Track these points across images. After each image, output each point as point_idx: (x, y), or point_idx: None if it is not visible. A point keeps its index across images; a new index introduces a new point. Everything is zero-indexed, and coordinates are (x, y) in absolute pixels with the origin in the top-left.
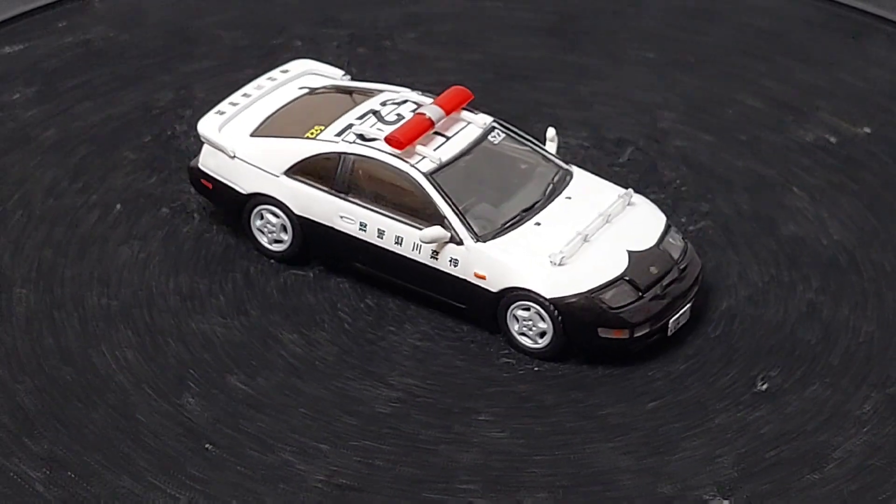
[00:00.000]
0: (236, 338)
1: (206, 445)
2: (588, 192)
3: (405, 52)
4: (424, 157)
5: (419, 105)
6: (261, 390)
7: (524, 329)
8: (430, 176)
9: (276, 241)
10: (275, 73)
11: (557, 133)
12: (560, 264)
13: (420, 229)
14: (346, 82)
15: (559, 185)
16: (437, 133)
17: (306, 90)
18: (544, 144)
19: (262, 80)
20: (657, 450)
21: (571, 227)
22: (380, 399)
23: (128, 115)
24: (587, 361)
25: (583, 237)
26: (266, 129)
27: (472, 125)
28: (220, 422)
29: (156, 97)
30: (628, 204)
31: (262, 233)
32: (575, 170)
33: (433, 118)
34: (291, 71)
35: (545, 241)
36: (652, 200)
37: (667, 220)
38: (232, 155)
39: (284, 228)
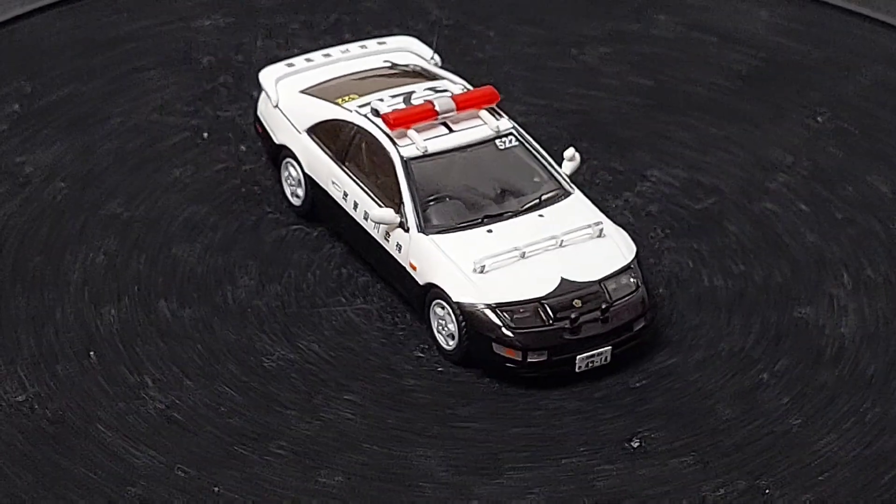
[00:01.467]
0: (199, 269)
1: (90, 353)
2: (566, 215)
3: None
4: (413, 143)
5: (444, 94)
6: (178, 320)
7: (440, 327)
8: (406, 161)
9: (294, 195)
10: (371, 42)
11: (581, 156)
12: (480, 272)
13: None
14: (428, 66)
15: (545, 202)
16: (444, 124)
17: (388, 64)
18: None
19: (352, 46)
20: (479, 471)
21: (516, 241)
22: (273, 356)
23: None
24: (493, 376)
25: (520, 253)
26: (316, 89)
27: (486, 126)
28: (120, 336)
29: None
30: (598, 235)
31: (287, 184)
32: (576, 193)
33: (438, 109)
34: (388, 44)
35: (481, 248)
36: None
37: (631, 262)
38: (275, 104)
39: (300, 183)
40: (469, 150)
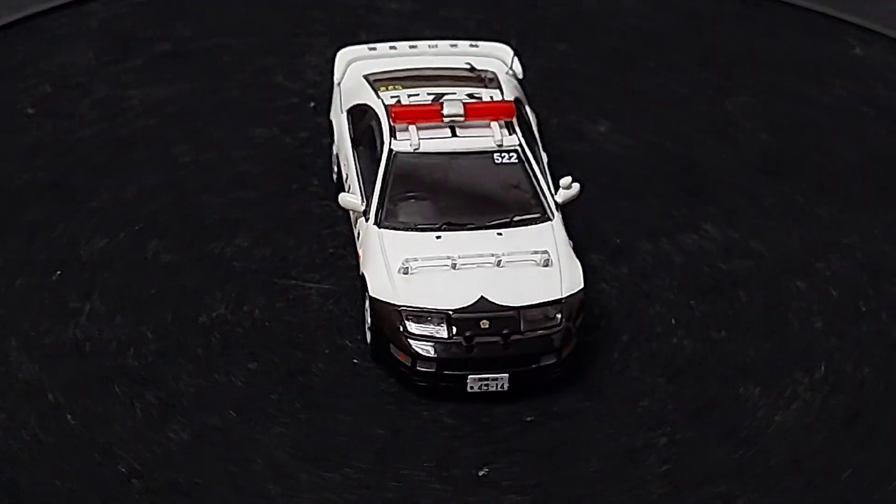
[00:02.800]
0: (212, 219)
1: (58, 272)
2: (526, 238)
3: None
4: (408, 140)
5: (474, 99)
6: (155, 260)
7: (366, 320)
8: (394, 154)
9: (334, 172)
10: (464, 42)
11: (579, 186)
12: (404, 273)
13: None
14: (502, 75)
15: (516, 223)
16: (451, 127)
17: (468, 66)
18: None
19: (443, 43)
20: (318, 460)
21: (458, 252)
22: (212, 313)
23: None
24: (395, 378)
25: (451, 264)
26: (377, 75)
27: (489, 138)
28: (95, 264)
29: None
30: (543, 264)
31: (333, 161)
32: (554, 220)
33: (445, 112)
34: (480, 48)
35: (417, 251)
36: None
37: (564, 298)
38: (336, 83)
39: (337, 159)
40: (465, 157)
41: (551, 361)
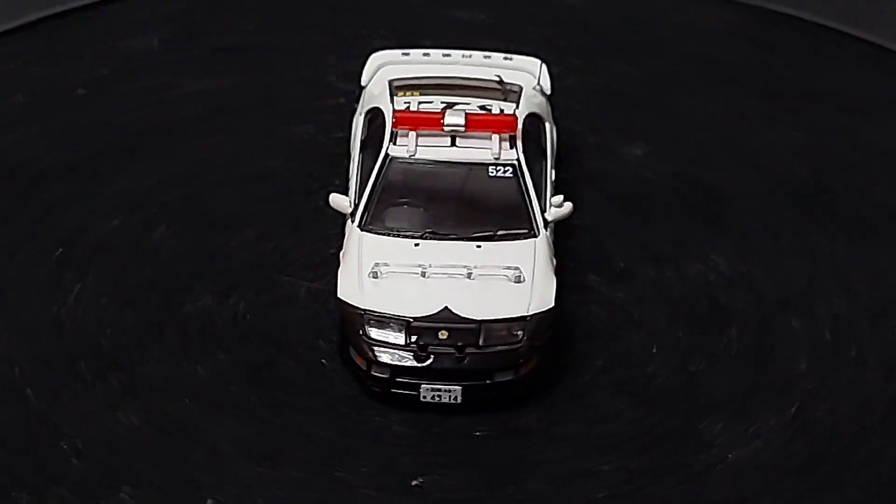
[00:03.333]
0: (224, 210)
1: (60, 249)
2: (504, 253)
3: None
4: (406, 146)
5: (484, 111)
6: (159, 243)
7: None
8: (390, 158)
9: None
10: (498, 55)
11: (571, 206)
12: (373, 277)
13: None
14: (531, 90)
15: (500, 237)
16: (452, 136)
17: (497, 79)
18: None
19: (477, 53)
20: (247, 454)
21: (432, 261)
22: (196, 302)
23: None
24: (356, 381)
25: (421, 272)
26: (401, 81)
27: (488, 151)
28: (102, 245)
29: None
30: (514, 280)
31: None
32: (539, 238)
33: (445, 121)
34: (514, 61)
35: (390, 257)
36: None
37: (529, 316)
38: (363, 84)
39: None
40: (459, 167)
41: (507, 378)
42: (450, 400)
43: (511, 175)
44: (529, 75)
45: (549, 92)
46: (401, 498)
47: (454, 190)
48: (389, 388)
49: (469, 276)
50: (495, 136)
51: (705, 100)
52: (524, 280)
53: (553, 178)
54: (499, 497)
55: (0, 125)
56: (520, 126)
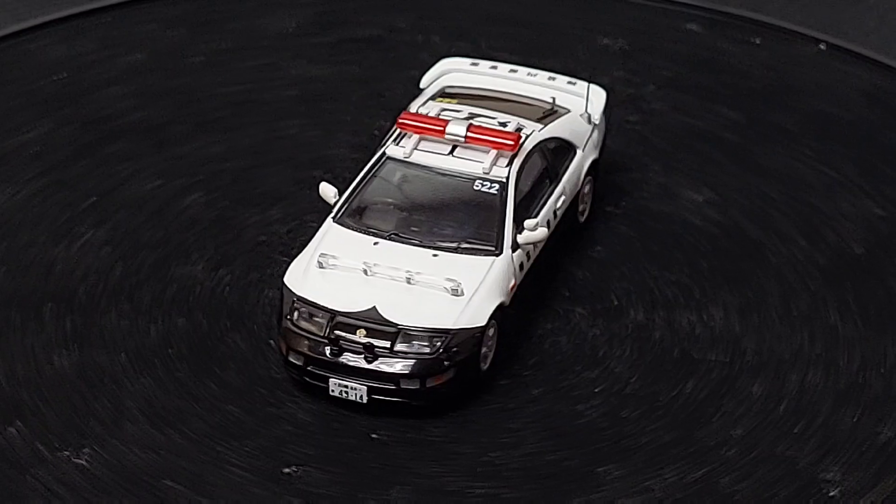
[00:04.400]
0: (256, 192)
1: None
2: (456, 266)
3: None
4: (405, 147)
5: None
6: (189, 209)
7: None
8: (385, 157)
9: None
10: (563, 78)
11: (546, 231)
12: (318, 267)
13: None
14: (576, 117)
15: (462, 250)
16: (451, 144)
17: (551, 100)
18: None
19: (543, 74)
20: (153, 421)
21: (379, 261)
22: (181, 266)
23: None
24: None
25: (364, 270)
26: (452, 88)
27: (481, 164)
28: (96, 193)
29: None
30: (453, 293)
31: None
32: (500, 258)
33: (447, 130)
34: (576, 87)
35: (343, 251)
36: None
37: (454, 330)
38: (421, 87)
39: None
40: (448, 177)
41: (413, 387)
42: (356, 398)
43: (495, 192)
44: (582, 101)
45: (597, 121)
46: (264, 481)
47: (435, 197)
48: (303, 377)
49: (408, 281)
50: (493, 152)
51: (796, 157)
52: (461, 294)
53: (561, 204)
54: (357, 500)
55: (106, 79)
56: (527, 146)
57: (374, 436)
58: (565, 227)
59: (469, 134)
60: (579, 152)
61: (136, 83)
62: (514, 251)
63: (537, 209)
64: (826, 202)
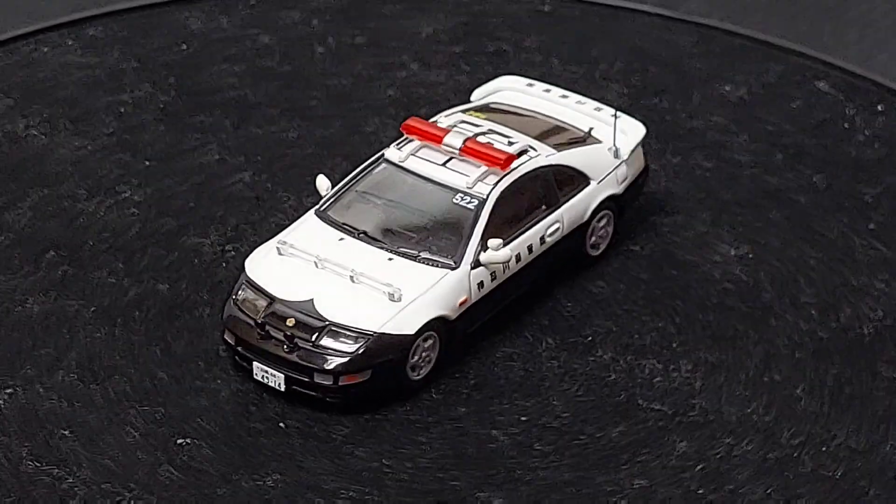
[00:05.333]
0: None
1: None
2: (405, 273)
3: None
4: (402, 152)
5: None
6: (223, 185)
7: None
8: (381, 158)
9: None
10: (609, 109)
11: (509, 253)
12: (277, 254)
13: None
14: (604, 149)
15: (420, 259)
16: (447, 154)
17: (587, 129)
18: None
19: (592, 103)
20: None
21: (333, 257)
22: (196, 237)
23: None
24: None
25: (314, 262)
26: (496, 104)
27: (468, 177)
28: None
29: None
30: (391, 298)
31: None
32: (456, 272)
33: (446, 139)
34: (621, 119)
35: (304, 242)
36: None
37: (376, 332)
38: (471, 100)
39: None
40: (433, 185)
41: (326, 382)
42: (275, 385)
43: (471, 208)
44: (621, 133)
45: (625, 156)
46: (153, 448)
47: (414, 204)
48: (234, 356)
49: (352, 280)
50: (483, 168)
51: (856, 229)
52: (397, 300)
53: (553, 232)
54: (230, 481)
55: (222, 56)
56: (521, 168)
57: (281, 424)
58: (570, 259)
59: (463, 146)
60: (593, 184)
61: (248, 63)
62: (474, 268)
63: (520, 232)
64: (861, 278)
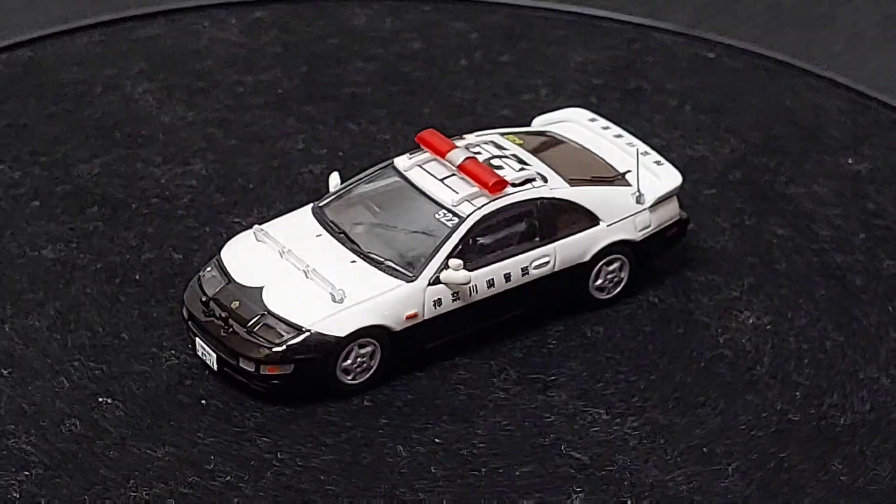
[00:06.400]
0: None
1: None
2: (360, 277)
3: None
4: (409, 161)
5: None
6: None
7: None
8: (389, 166)
9: None
10: (655, 156)
11: (467, 274)
12: (255, 240)
13: None
14: (627, 193)
15: (385, 269)
16: (448, 168)
17: (625, 170)
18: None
19: (643, 148)
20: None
21: (302, 250)
22: (212, 225)
23: None
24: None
25: (280, 252)
26: (550, 134)
27: (458, 195)
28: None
29: None
30: (334, 300)
31: None
32: (413, 284)
33: (449, 155)
34: (661, 167)
35: (283, 233)
36: None
37: (306, 329)
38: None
39: None
40: (424, 199)
41: (249, 368)
42: (210, 363)
43: (449, 226)
44: (656, 179)
45: (646, 203)
46: (73, 400)
47: (401, 213)
48: (186, 328)
49: (306, 275)
50: (475, 189)
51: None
52: (339, 301)
53: (540, 266)
54: (124, 446)
55: (365, 55)
56: (515, 196)
57: (203, 402)
58: (570, 298)
59: (461, 164)
60: (602, 225)
61: (384, 65)
62: (431, 285)
63: (498, 258)
64: (871, 370)
